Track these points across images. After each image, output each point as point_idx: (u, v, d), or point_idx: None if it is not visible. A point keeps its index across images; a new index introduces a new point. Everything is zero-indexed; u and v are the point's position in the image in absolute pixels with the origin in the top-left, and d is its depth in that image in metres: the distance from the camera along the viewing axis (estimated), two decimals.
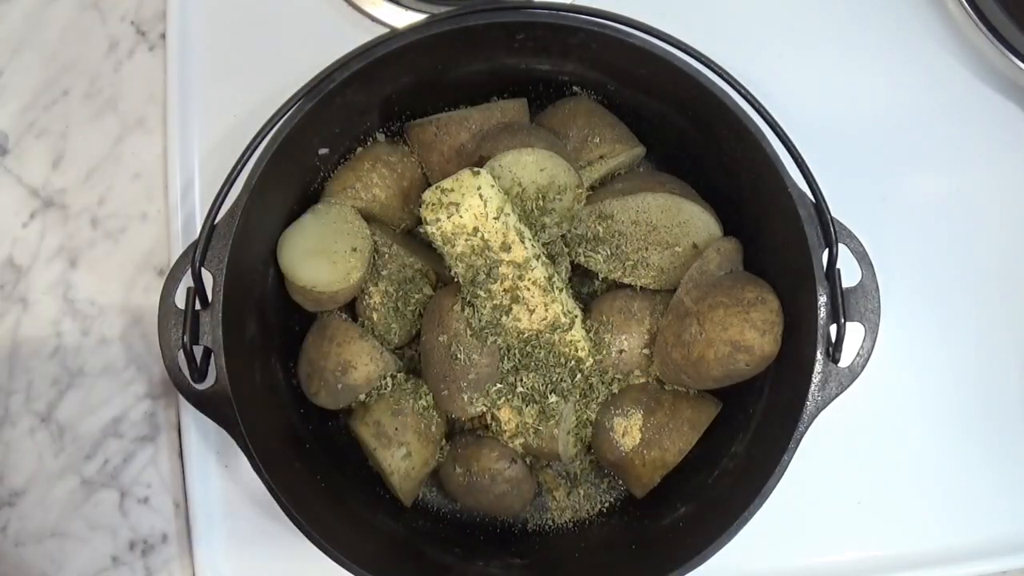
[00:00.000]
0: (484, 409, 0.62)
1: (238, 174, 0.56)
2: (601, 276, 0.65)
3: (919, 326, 0.70)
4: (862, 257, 0.57)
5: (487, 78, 0.63)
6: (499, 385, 0.61)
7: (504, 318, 0.59)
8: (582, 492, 0.67)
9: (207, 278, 0.56)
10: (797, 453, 0.55)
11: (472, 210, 0.56)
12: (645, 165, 0.68)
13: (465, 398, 0.60)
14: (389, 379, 0.63)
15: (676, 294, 0.61)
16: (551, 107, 0.65)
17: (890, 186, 0.71)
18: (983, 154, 0.71)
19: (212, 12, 0.71)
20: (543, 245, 0.61)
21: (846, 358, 0.56)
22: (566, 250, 0.64)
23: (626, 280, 0.63)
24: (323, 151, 0.63)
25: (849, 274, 0.56)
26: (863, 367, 0.56)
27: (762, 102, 0.56)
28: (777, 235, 0.59)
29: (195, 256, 0.55)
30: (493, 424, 0.63)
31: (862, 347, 0.56)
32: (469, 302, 0.59)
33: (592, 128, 0.63)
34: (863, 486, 0.69)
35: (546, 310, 0.59)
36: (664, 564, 0.57)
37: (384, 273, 0.63)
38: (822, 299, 0.55)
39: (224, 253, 0.56)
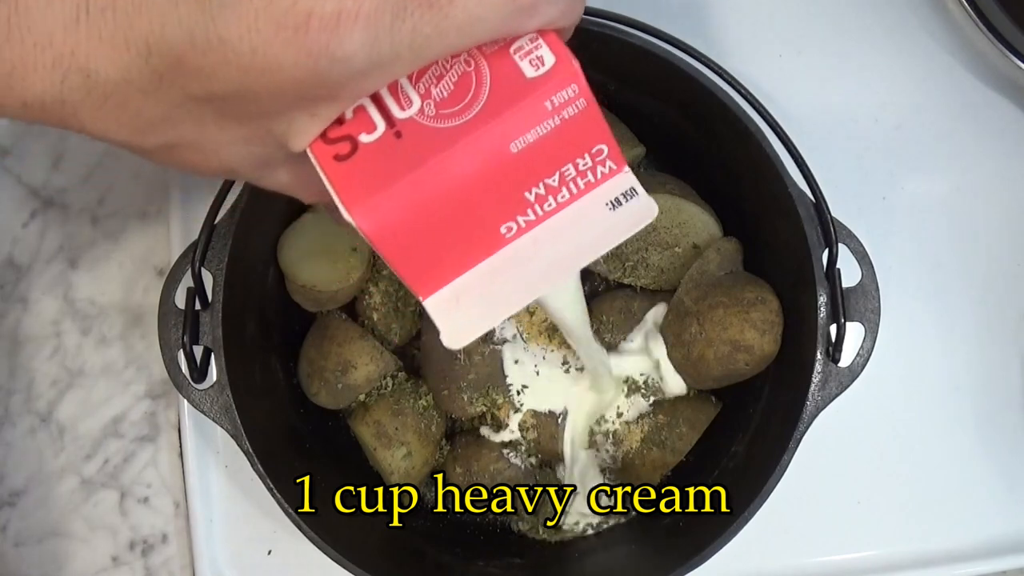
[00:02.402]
0: (484, 409, 0.62)
1: None
2: (601, 276, 0.65)
3: (919, 326, 0.70)
4: (862, 257, 0.57)
5: None
6: (499, 385, 0.61)
7: None
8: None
9: (207, 278, 0.56)
10: (797, 453, 0.55)
11: None
12: (645, 165, 0.68)
13: (465, 398, 0.60)
14: (389, 379, 0.63)
15: (676, 294, 0.61)
16: None
17: (890, 186, 0.71)
18: (983, 154, 0.71)
19: None
20: None
21: (846, 358, 0.56)
22: None
23: (626, 280, 0.63)
24: None
25: (849, 274, 0.56)
26: (863, 367, 0.56)
27: (762, 102, 0.56)
28: (777, 235, 0.59)
29: (195, 256, 0.55)
30: (493, 424, 0.63)
31: (862, 347, 0.56)
32: None
33: None
34: (863, 486, 0.69)
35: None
36: (664, 564, 0.57)
37: (384, 273, 0.63)
38: (822, 299, 0.55)
39: (224, 253, 0.56)
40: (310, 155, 0.35)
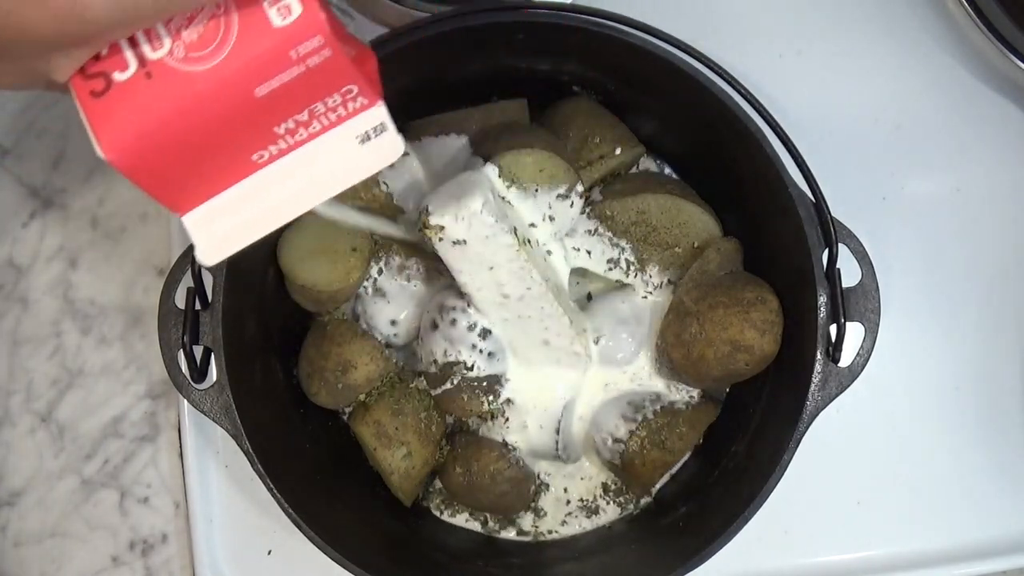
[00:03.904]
0: (484, 409, 0.62)
1: None
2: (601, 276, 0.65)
3: (919, 326, 0.70)
4: (862, 257, 0.57)
5: (487, 78, 0.63)
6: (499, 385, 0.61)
7: None
8: None
9: (207, 278, 0.56)
10: (797, 453, 0.55)
11: None
12: (645, 165, 0.68)
13: (465, 398, 0.60)
14: (391, 379, 0.63)
15: (676, 294, 0.61)
16: (551, 107, 0.65)
17: (890, 186, 0.71)
18: (983, 154, 0.71)
19: None
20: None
21: (846, 358, 0.56)
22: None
23: (626, 281, 0.63)
24: None
25: (849, 274, 0.56)
26: (863, 367, 0.56)
27: (762, 102, 0.56)
28: (777, 235, 0.59)
29: (195, 256, 0.55)
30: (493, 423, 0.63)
31: (862, 347, 0.56)
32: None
33: (592, 128, 0.63)
34: (863, 486, 0.69)
35: None
36: (664, 564, 0.57)
37: None
38: (822, 299, 0.55)
39: None
40: (70, 89, 0.37)
